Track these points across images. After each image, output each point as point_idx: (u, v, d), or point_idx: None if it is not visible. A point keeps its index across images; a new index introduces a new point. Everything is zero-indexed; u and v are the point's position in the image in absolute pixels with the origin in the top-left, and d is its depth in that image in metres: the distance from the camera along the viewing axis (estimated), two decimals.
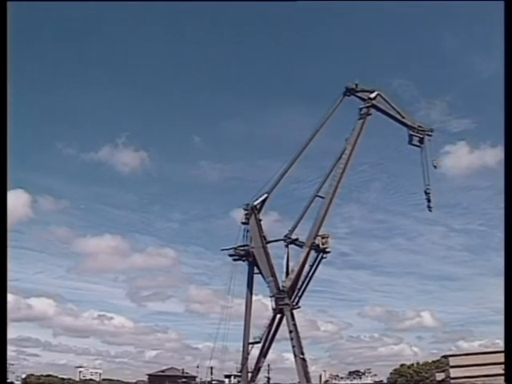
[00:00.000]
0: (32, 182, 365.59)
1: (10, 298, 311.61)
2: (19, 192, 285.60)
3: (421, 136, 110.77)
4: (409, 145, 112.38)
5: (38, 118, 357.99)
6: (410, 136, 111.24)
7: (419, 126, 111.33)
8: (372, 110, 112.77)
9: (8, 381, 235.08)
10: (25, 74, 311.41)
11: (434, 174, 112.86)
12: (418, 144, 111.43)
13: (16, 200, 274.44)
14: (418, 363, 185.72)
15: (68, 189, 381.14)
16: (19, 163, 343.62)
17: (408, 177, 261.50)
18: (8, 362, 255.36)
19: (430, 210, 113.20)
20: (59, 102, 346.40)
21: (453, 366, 43.23)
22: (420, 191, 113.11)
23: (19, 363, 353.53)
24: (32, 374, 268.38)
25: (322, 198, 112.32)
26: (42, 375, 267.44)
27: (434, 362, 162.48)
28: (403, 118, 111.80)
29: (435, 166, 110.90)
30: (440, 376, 50.70)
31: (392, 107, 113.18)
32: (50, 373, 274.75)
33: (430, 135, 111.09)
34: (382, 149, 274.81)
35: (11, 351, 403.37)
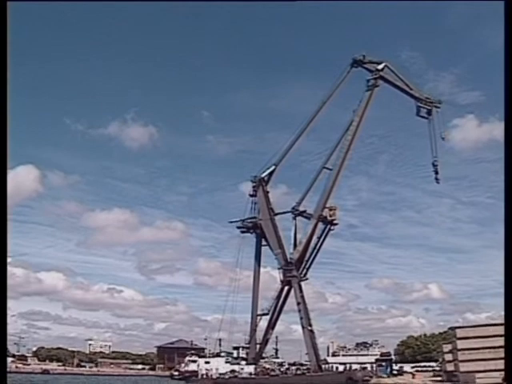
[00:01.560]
0: (41, 157, 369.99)
1: (20, 272, 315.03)
2: (29, 167, 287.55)
3: (429, 108, 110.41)
4: (417, 117, 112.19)
5: (46, 95, 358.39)
6: (418, 108, 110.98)
7: (427, 98, 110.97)
8: (380, 82, 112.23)
9: (19, 353, 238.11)
10: (33, 52, 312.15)
11: (442, 147, 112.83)
12: (425, 116, 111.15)
13: (26, 175, 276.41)
14: (425, 335, 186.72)
15: (77, 163, 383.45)
16: (29, 139, 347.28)
17: (416, 149, 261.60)
18: (19, 335, 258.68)
19: (438, 182, 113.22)
20: (67, 78, 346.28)
21: (460, 338, 43.52)
22: (428, 164, 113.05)
23: (30, 336, 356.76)
24: (42, 347, 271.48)
25: (330, 169, 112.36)
26: (52, 348, 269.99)
27: (441, 333, 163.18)
28: (411, 89, 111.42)
29: (443, 138, 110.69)
30: (447, 347, 50.86)
31: (400, 79, 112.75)
32: (61, 345, 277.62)
33: (438, 107, 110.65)
34: (390, 121, 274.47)
35: (22, 324, 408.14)
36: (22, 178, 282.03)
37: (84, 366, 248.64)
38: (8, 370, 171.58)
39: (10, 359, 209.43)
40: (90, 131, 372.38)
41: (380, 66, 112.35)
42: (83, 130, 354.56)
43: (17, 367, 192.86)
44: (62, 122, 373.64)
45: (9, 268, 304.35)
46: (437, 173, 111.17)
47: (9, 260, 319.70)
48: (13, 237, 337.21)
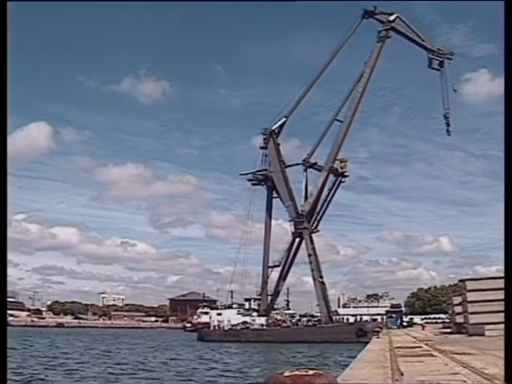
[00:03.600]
0: (54, 114, 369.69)
1: (34, 228, 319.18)
2: (41, 124, 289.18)
3: (440, 59, 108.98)
4: (429, 69, 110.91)
5: (58, 52, 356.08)
6: (430, 59, 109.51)
7: (439, 50, 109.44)
8: (391, 33, 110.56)
9: (34, 307, 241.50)
10: (45, 9, 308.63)
11: (454, 100, 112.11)
12: (437, 68, 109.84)
13: (38, 132, 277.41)
14: (435, 287, 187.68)
15: (90, 119, 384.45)
16: (41, 96, 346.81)
17: (428, 102, 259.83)
18: (34, 289, 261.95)
19: (449, 134, 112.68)
20: (79, 35, 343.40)
21: (469, 290, 43.41)
22: (440, 116, 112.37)
23: (44, 291, 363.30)
24: (57, 301, 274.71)
25: (341, 121, 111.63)
26: (66, 302, 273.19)
27: (451, 286, 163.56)
28: (423, 41, 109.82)
29: (455, 90, 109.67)
30: (457, 300, 50.95)
31: (412, 30, 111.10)
32: (75, 299, 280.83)
33: (450, 59, 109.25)
34: (402, 74, 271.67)
35: (37, 279, 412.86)
36: (34, 134, 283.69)
37: (98, 319, 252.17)
38: (24, 323, 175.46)
39: (25, 313, 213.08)
40: (103, 88, 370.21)
41: (391, 17, 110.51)
42: (96, 87, 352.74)
43: (32, 321, 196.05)
44: (75, 78, 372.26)
45: (23, 224, 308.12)
46: (448, 125, 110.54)
47: (23, 216, 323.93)
48: (26, 193, 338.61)
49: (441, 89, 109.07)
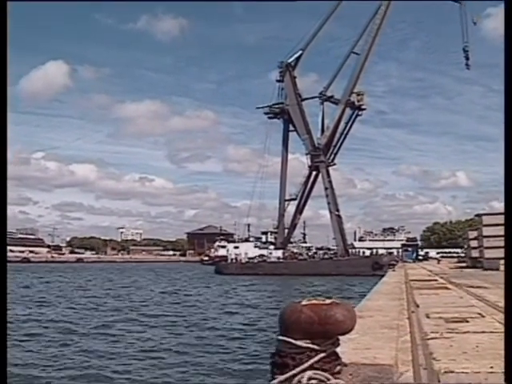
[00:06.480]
0: (71, 52, 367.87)
1: (52, 165, 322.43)
2: (59, 63, 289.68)
3: None
4: (448, 1, 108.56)
5: None
6: None
7: None
8: None
9: (54, 244, 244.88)
10: None
11: (474, 35, 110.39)
12: None
13: (56, 71, 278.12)
14: (451, 222, 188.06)
15: (107, 56, 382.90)
16: (58, 35, 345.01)
17: (448, 36, 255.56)
18: (53, 226, 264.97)
19: (468, 68, 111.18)
20: None
21: (486, 225, 43.50)
22: (459, 51, 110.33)
23: (63, 227, 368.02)
24: (76, 237, 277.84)
25: (358, 54, 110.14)
26: (85, 237, 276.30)
27: (467, 220, 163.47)
28: None
29: (475, 23, 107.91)
30: (472, 234, 51.11)
31: None
32: (94, 235, 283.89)
33: None
34: (421, 7, 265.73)
35: (56, 216, 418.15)
36: (52, 73, 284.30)
37: (116, 254, 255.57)
38: (44, 259, 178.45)
39: (45, 249, 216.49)
40: (120, 26, 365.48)
41: None
42: (113, 25, 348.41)
43: (52, 257, 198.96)
44: (92, 17, 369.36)
45: (42, 162, 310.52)
46: (467, 58, 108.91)
47: (42, 154, 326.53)
48: (44, 131, 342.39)
49: (460, 22, 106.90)
